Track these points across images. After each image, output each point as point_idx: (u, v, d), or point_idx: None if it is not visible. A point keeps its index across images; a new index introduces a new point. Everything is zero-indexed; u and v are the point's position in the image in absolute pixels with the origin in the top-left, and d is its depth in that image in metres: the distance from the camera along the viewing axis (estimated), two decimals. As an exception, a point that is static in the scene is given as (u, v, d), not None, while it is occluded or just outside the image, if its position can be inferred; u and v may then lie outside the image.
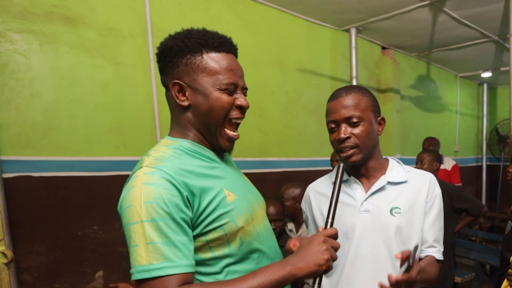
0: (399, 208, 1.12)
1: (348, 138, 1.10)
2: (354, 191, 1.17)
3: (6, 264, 1.74)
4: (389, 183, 1.15)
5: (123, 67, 2.26)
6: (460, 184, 3.89)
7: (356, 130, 1.09)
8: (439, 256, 1.17)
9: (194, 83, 0.88)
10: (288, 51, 3.23)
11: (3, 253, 1.74)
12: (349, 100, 1.10)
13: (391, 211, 1.12)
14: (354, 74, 3.58)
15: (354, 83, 3.56)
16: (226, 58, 0.90)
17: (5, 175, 1.85)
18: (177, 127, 0.95)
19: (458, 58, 4.73)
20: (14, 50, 1.89)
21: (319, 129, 3.51)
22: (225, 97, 0.89)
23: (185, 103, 0.90)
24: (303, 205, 1.33)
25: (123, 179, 0.87)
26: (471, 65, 5.15)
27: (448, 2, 2.99)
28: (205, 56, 0.88)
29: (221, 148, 0.95)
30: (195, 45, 0.88)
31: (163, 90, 0.96)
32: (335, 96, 1.14)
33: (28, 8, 1.92)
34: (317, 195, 1.25)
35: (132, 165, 0.90)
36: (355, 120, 1.09)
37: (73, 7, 2.06)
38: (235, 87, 0.91)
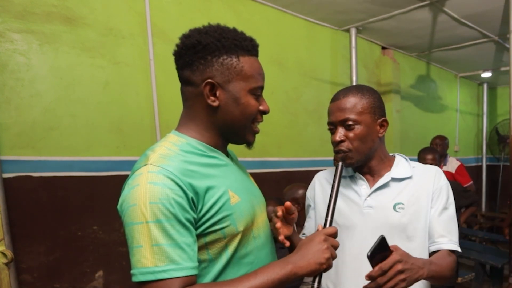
0: (403, 204, 1.11)
1: (342, 141, 1.11)
2: (360, 187, 1.17)
3: (6, 264, 1.74)
4: (393, 179, 1.15)
5: (123, 67, 2.26)
6: (471, 183, 3.65)
7: (351, 133, 1.10)
8: (452, 246, 1.10)
9: (227, 84, 0.87)
10: (288, 51, 3.23)
11: (3, 253, 1.73)
12: (345, 102, 1.10)
13: (394, 207, 1.12)
14: (354, 74, 3.58)
15: (354, 83, 3.56)
16: (256, 62, 0.92)
17: (5, 175, 1.85)
18: (191, 124, 0.93)
19: (458, 58, 4.73)
20: (14, 50, 1.89)
21: (319, 129, 3.51)
22: (253, 102, 0.91)
23: (215, 104, 0.88)
24: (309, 192, 1.34)
25: (123, 179, 0.87)
26: (471, 65, 5.15)
27: (448, 2, 2.99)
28: (241, 58, 0.88)
29: (248, 142, 0.97)
30: (232, 46, 0.87)
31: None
32: (334, 98, 1.15)
33: (28, 8, 1.92)
34: (324, 182, 1.28)
35: (132, 165, 0.89)
36: (350, 123, 1.09)
37: (73, 7, 2.06)
38: (261, 90, 0.94)
